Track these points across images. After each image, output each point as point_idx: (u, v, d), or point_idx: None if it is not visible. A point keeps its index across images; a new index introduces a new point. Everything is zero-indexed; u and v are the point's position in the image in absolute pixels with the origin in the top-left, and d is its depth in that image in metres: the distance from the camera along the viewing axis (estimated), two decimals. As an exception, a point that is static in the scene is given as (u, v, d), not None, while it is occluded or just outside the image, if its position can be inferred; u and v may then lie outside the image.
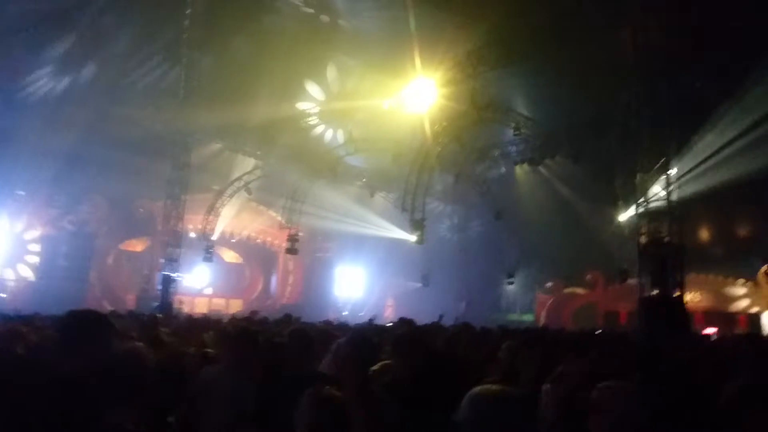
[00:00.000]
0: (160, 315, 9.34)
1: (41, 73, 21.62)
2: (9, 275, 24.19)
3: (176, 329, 8.24)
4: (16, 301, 21.54)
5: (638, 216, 13.08)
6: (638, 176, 13.06)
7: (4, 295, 22.83)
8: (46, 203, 25.24)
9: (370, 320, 16.27)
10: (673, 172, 12.70)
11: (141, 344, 2.43)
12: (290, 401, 3.67)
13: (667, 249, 12.19)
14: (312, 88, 26.70)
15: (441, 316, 16.12)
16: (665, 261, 12.13)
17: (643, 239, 12.79)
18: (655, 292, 12.18)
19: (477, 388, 1.95)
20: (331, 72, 26.37)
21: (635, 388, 2.61)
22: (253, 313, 15.27)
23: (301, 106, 26.44)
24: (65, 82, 21.83)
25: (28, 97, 20.92)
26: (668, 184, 12.46)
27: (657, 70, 13.05)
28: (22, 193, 24.52)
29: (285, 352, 4.37)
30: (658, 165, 12.64)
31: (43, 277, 23.77)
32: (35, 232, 25.17)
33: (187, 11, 21.10)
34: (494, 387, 1.97)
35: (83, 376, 2.20)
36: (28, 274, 24.74)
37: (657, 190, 12.79)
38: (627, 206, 17.12)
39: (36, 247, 25.23)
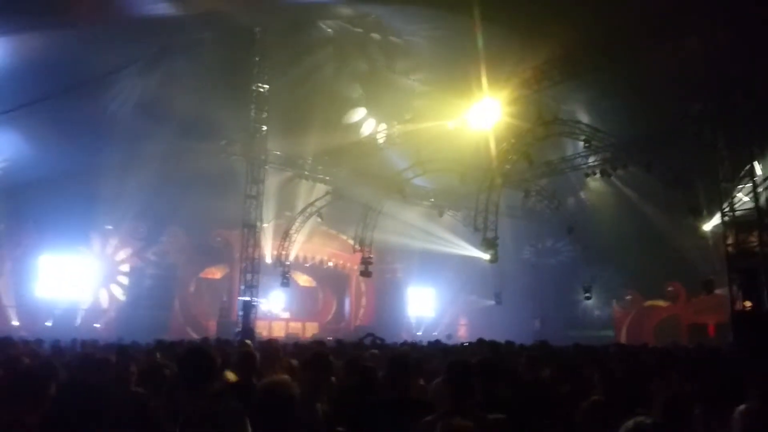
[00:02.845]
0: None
1: (121, 112, 23.01)
2: (103, 295, 25.66)
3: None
4: (109, 330, 22.86)
5: (724, 225, 12.57)
6: (721, 185, 12.59)
7: (98, 325, 24.22)
8: (131, 236, 26.73)
9: (448, 336, 16.12)
10: (759, 179, 12.16)
11: (285, 376, 2.63)
12: (386, 426, 3.80)
13: (758, 259, 11.65)
14: (376, 112, 27.21)
15: None
16: (756, 272, 11.59)
17: (730, 249, 12.28)
18: (748, 304, 11.63)
19: (631, 422, 2.18)
20: (395, 94, 26.79)
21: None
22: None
23: (367, 129, 26.99)
24: (143, 119, 23.12)
25: (111, 133, 22.14)
26: (755, 191, 11.94)
27: (729, 78, 12.62)
28: (110, 227, 26.12)
29: (376, 376, 4.46)
30: (742, 173, 12.17)
31: (132, 306, 25.05)
32: (124, 265, 26.69)
33: (256, 47, 22.04)
34: (646, 421, 2.18)
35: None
36: (120, 296, 26.08)
37: (743, 198, 12.29)
38: (710, 215, 16.46)
39: (125, 276, 26.67)
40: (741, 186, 12.33)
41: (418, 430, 3.14)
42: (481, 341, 9.03)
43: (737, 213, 12.27)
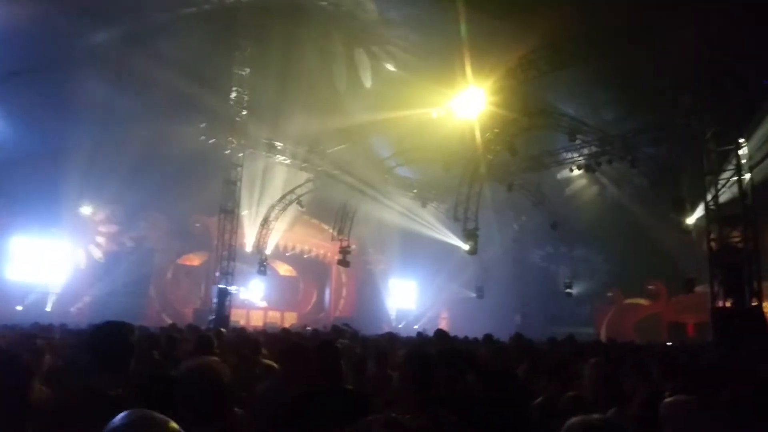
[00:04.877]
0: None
1: (98, 92, 22.33)
2: (80, 255, 25.03)
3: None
4: (82, 315, 22.29)
5: (707, 220, 12.32)
6: (706, 179, 12.34)
7: (73, 310, 23.65)
8: (107, 219, 26.13)
9: (423, 331, 15.90)
10: (745, 173, 11.90)
11: (215, 358, 2.29)
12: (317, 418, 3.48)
13: (741, 255, 11.41)
14: (358, 98, 26.72)
15: None
16: (739, 268, 11.34)
17: (713, 245, 12.02)
18: (729, 302, 11.38)
19: (577, 419, 1.85)
20: (377, 80, 26.33)
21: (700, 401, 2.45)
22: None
23: (350, 117, 26.48)
24: (122, 99, 22.48)
25: (87, 113, 21.48)
26: (740, 185, 11.69)
27: (719, 70, 12.38)
28: (86, 209, 25.50)
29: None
30: (728, 166, 11.91)
31: (107, 292, 24.42)
32: (103, 226, 26.08)
33: (239, 29, 21.52)
34: (595, 418, 1.89)
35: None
36: (99, 258, 25.53)
37: (728, 193, 12.04)
38: (693, 210, 16.23)
39: (103, 237, 26.03)
40: (725, 179, 12.06)
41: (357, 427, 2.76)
42: (439, 333, 8.15)
43: (721, 205, 12.00)
